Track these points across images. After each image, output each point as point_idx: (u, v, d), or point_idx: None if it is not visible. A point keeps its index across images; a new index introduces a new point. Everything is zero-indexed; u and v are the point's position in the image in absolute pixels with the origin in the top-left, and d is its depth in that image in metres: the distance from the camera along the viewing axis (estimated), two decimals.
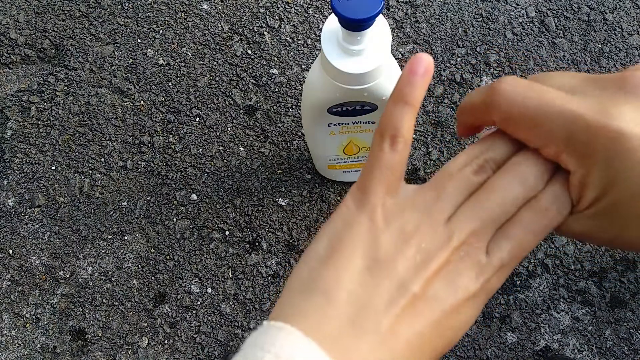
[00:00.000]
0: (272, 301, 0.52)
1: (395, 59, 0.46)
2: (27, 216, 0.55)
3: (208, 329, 0.51)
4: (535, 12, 0.61)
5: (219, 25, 0.61)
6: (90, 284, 0.53)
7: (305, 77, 0.46)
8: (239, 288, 0.52)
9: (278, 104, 0.58)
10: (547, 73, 0.25)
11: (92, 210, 0.55)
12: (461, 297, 0.22)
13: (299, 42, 0.60)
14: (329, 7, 0.61)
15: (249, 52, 0.60)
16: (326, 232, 0.24)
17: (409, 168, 0.56)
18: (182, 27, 0.61)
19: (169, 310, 0.52)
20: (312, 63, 0.59)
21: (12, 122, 0.59)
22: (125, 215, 0.55)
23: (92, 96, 0.59)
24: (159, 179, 0.56)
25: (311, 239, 0.50)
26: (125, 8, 0.62)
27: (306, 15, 0.61)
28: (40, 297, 0.53)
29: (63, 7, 0.63)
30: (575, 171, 0.23)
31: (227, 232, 0.54)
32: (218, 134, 0.57)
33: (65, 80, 0.60)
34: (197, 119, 0.58)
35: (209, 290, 0.52)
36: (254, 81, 0.59)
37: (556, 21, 0.60)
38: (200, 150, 0.57)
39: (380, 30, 0.36)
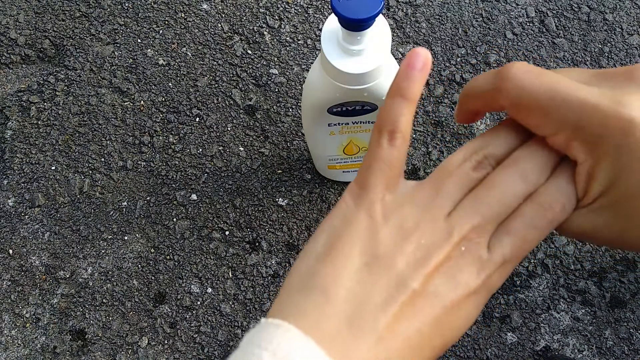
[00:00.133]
0: (272, 301, 0.52)
1: (395, 59, 0.46)
2: (27, 216, 0.55)
3: (208, 329, 0.51)
4: (535, 12, 0.61)
5: (219, 25, 0.61)
6: (90, 284, 0.53)
7: (305, 77, 0.46)
8: (239, 288, 0.52)
9: (278, 104, 0.58)
10: (554, 69, 0.25)
11: (92, 210, 0.55)
12: (462, 293, 0.22)
13: (299, 42, 0.60)
14: (329, 7, 0.61)
15: (249, 52, 0.60)
16: (324, 229, 0.24)
17: (409, 168, 0.56)
18: (182, 27, 0.61)
19: (169, 310, 0.52)
20: (312, 63, 0.59)
21: (12, 122, 0.59)
22: (125, 215, 0.55)
23: (92, 96, 0.59)
24: (159, 179, 0.56)
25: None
26: (125, 8, 0.62)
27: (306, 15, 0.61)
28: (40, 297, 0.53)
29: (63, 7, 0.63)
30: (584, 161, 0.22)
31: (227, 232, 0.54)
32: (218, 134, 0.57)
33: (65, 80, 0.60)
34: (197, 119, 0.58)
35: (209, 290, 0.52)
36: (254, 81, 0.59)
37: (556, 21, 0.60)
38: (200, 150, 0.57)
39: (380, 30, 0.36)
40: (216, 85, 0.59)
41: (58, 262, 0.54)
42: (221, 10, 0.62)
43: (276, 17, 0.61)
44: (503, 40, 0.60)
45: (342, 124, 0.43)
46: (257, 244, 0.53)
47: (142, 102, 0.59)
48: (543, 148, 0.24)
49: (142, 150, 0.57)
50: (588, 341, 0.50)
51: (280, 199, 0.55)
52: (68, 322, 0.52)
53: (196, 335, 0.51)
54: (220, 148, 0.57)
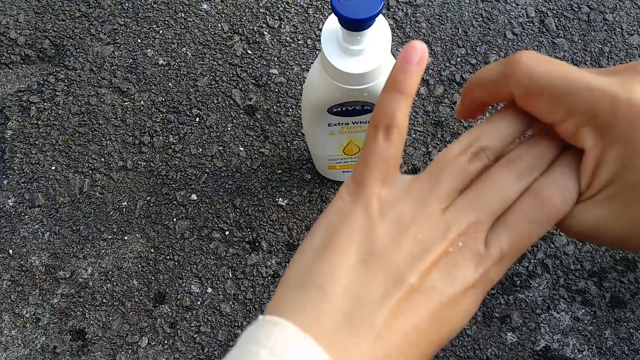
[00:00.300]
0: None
1: (395, 59, 0.46)
2: (27, 216, 0.55)
3: (208, 329, 0.51)
4: (535, 12, 0.61)
5: (219, 25, 0.61)
6: (90, 284, 0.53)
7: (305, 77, 0.46)
8: (239, 288, 0.52)
9: (278, 104, 0.58)
10: None
11: (92, 210, 0.55)
12: (459, 288, 0.22)
13: (299, 42, 0.60)
14: (329, 7, 0.61)
15: (249, 52, 0.60)
16: (321, 225, 0.24)
17: (409, 168, 0.56)
18: (182, 27, 0.61)
19: (169, 310, 0.52)
20: (312, 63, 0.59)
21: (12, 122, 0.59)
22: (125, 215, 0.55)
23: (92, 96, 0.59)
24: (159, 179, 0.56)
25: None
26: (125, 8, 0.62)
27: (306, 15, 0.61)
28: (40, 297, 0.53)
29: (63, 7, 0.63)
30: (593, 148, 0.22)
31: (227, 232, 0.54)
32: (218, 134, 0.57)
33: (65, 80, 0.60)
34: (197, 119, 0.58)
35: (209, 290, 0.52)
36: (254, 81, 0.59)
37: (556, 21, 0.60)
38: (200, 150, 0.57)
39: (380, 30, 0.36)
40: (216, 85, 0.59)
41: (58, 262, 0.54)
42: (221, 10, 0.62)
43: (276, 17, 0.61)
44: (503, 40, 0.60)
45: (342, 124, 0.43)
46: (257, 244, 0.53)
47: (142, 102, 0.59)
48: (542, 142, 0.24)
49: (142, 150, 0.57)
50: (588, 341, 0.50)
51: (280, 199, 0.55)
52: (68, 322, 0.52)
53: (196, 335, 0.51)
54: (220, 148, 0.57)
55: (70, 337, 0.51)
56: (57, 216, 0.55)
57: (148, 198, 0.55)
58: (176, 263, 0.53)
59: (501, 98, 0.25)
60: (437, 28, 0.60)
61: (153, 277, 0.53)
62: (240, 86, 0.59)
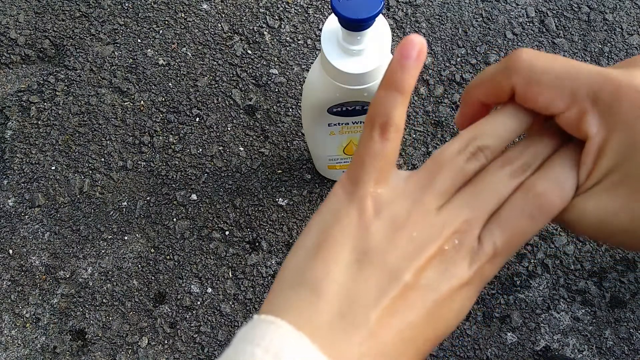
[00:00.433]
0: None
1: None
2: (27, 216, 0.55)
3: (208, 329, 0.51)
4: (535, 12, 0.61)
5: (219, 25, 0.61)
6: (90, 284, 0.53)
7: (305, 77, 0.46)
8: (239, 288, 0.52)
9: (278, 104, 0.58)
10: None
11: (92, 210, 0.55)
12: (454, 285, 0.22)
13: (299, 42, 0.60)
14: (329, 7, 0.61)
15: (249, 52, 0.60)
16: (315, 224, 0.24)
17: (409, 168, 0.56)
18: (182, 27, 0.61)
19: (169, 310, 0.52)
20: (312, 63, 0.59)
21: (12, 122, 0.59)
22: (125, 215, 0.55)
23: (92, 96, 0.59)
24: (159, 179, 0.56)
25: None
26: (125, 8, 0.62)
27: (306, 15, 0.61)
28: (40, 297, 0.53)
29: (63, 7, 0.63)
30: (595, 134, 0.22)
31: (227, 232, 0.54)
32: (218, 134, 0.57)
33: (65, 80, 0.60)
34: (197, 119, 0.58)
35: (209, 290, 0.52)
36: (254, 81, 0.59)
37: (556, 21, 0.60)
38: (200, 150, 0.57)
39: (380, 30, 0.36)
40: (216, 85, 0.59)
41: (58, 262, 0.54)
42: (221, 10, 0.62)
43: (276, 17, 0.61)
44: (503, 40, 0.60)
45: (342, 124, 0.43)
46: (257, 244, 0.53)
47: (142, 102, 0.59)
48: (539, 141, 0.24)
49: (142, 150, 0.57)
50: (588, 341, 0.50)
51: (280, 199, 0.55)
52: (68, 322, 0.52)
53: (196, 335, 0.51)
54: (220, 148, 0.57)
55: (70, 337, 0.51)
56: (57, 216, 0.55)
57: (148, 198, 0.55)
58: (176, 263, 0.53)
59: (501, 96, 0.25)
60: (437, 28, 0.60)
61: (153, 277, 0.53)
62: (240, 86, 0.59)
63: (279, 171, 0.56)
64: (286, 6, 0.62)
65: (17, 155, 0.57)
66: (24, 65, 0.61)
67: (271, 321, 0.21)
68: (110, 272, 0.53)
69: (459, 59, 0.59)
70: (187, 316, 0.51)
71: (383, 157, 0.23)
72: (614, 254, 0.52)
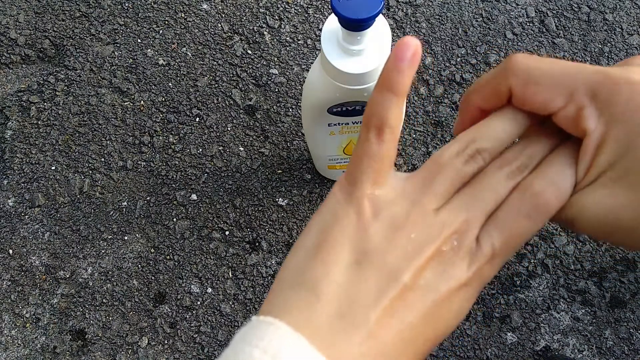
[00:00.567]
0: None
1: None
2: (27, 216, 0.55)
3: (208, 329, 0.51)
4: (535, 12, 0.61)
5: (219, 25, 0.61)
6: (90, 284, 0.53)
7: (305, 77, 0.46)
8: (239, 288, 0.52)
9: (278, 104, 0.58)
10: None
11: (92, 210, 0.55)
12: (453, 286, 0.22)
13: (299, 42, 0.60)
14: (329, 7, 0.61)
15: (249, 52, 0.60)
16: (315, 224, 0.24)
17: (409, 168, 0.56)
18: (182, 27, 0.61)
19: (169, 310, 0.52)
20: (312, 63, 0.59)
21: (12, 122, 0.59)
22: (125, 215, 0.55)
23: (92, 96, 0.59)
24: (159, 179, 0.56)
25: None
26: (125, 8, 0.62)
27: (306, 15, 0.61)
28: (40, 297, 0.53)
29: (63, 7, 0.63)
30: (594, 130, 0.22)
31: (227, 232, 0.54)
32: (218, 134, 0.57)
33: (65, 80, 0.60)
34: (197, 119, 0.58)
35: (209, 290, 0.52)
36: (254, 81, 0.59)
37: (556, 21, 0.60)
38: (200, 150, 0.57)
39: (380, 30, 0.36)
40: (216, 85, 0.59)
41: (58, 262, 0.54)
42: (221, 10, 0.62)
43: (276, 17, 0.61)
44: (503, 40, 0.60)
45: (342, 124, 0.43)
46: (257, 244, 0.53)
47: (142, 102, 0.59)
48: (536, 142, 0.24)
49: (142, 150, 0.57)
50: (588, 341, 0.50)
51: (280, 199, 0.55)
52: (68, 322, 0.52)
53: (196, 335, 0.51)
54: (220, 148, 0.57)
55: (70, 337, 0.51)
56: (57, 216, 0.55)
57: (148, 198, 0.55)
58: (176, 263, 0.53)
59: (498, 99, 0.25)
60: (437, 28, 0.60)
61: (153, 277, 0.53)
62: (240, 86, 0.59)
63: (279, 171, 0.56)
64: (286, 6, 0.62)
65: (17, 155, 0.57)
66: (24, 65, 0.61)
67: (270, 322, 0.21)
68: (110, 272, 0.53)
69: (459, 59, 0.59)
70: (187, 316, 0.51)
71: (380, 158, 0.24)
72: (614, 254, 0.52)
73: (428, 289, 0.22)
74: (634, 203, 0.21)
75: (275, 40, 0.60)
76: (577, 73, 0.22)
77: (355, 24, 0.32)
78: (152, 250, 0.54)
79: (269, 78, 0.59)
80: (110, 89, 0.59)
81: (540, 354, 0.50)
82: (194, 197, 0.55)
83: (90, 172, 0.56)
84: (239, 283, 0.52)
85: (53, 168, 0.57)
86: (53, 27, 0.62)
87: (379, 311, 0.21)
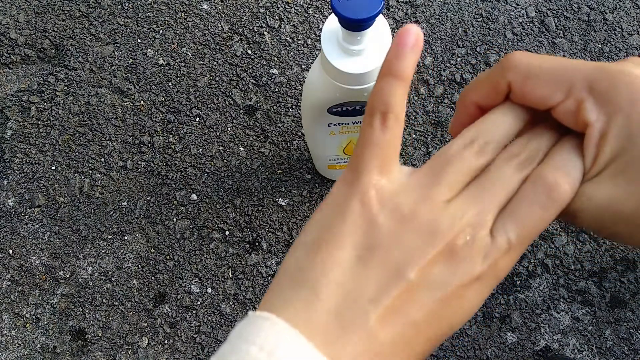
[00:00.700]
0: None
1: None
2: (27, 216, 0.55)
3: (208, 329, 0.51)
4: (535, 12, 0.61)
5: (219, 25, 0.61)
6: (90, 284, 0.53)
7: (305, 77, 0.46)
8: (239, 288, 0.52)
9: (278, 104, 0.58)
10: None
11: (92, 210, 0.55)
12: (463, 281, 0.21)
13: (299, 42, 0.60)
14: (329, 7, 0.61)
15: (249, 52, 0.60)
16: (316, 219, 0.23)
17: None
18: (182, 27, 0.61)
19: (169, 310, 0.52)
20: (312, 63, 0.59)
21: (12, 122, 0.59)
22: (125, 215, 0.55)
23: (92, 96, 0.59)
24: (159, 179, 0.56)
25: None
26: (125, 8, 0.62)
27: (306, 15, 0.61)
28: (40, 297, 0.53)
29: (63, 7, 0.63)
30: (596, 121, 0.22)
31: (227, 232, 0.54)
32: (218, 134, 0.57)
33: (65, 80, 0.60)
34: (197, 119, 0.58)
35: (209, 290, 0.52)
36: (254, 81, 0.59)
37: (556, 21, 0.60)
38: (200, 150, 0.57)
39: (380, 31, 0.36)
40: (216, 85, 0.59)
41: (58, 262, 0.54)
42: (221, 10, 0.62)
43: (276, 17, 0.61)
44: (503, 40, 0.60)
45: (342, 124, 0.43)
46: (257, 244, 0.53)
47: (142, 102, 0.59)
48: (541, 133, 0.24)
49: (142, 150, 0.57)
50: (588, 341, 0.50)
51: (280, 199, 0.55)
52: (68, 322, 0.52)
53: (196, 335, 0.51)
54: (220, 148, 0.57)
55: (70, 337, 0.51)
56: (57, 216, 0.55)
57: (148, 198, 0.55)
58: (176, 263, 0.53)
59: (497, 95, 0.25)
60: (437, 28, 0.60)
61: (153, 277, 0.53)
62: (240, 86, 0.59)
63: (279, 171, 0.56)
64: (286, 6, 0.62)
65: (17, 155, 0.57)
66: (24, 65, 0.61)
67: (266, 317, 0.21)
68: (110, 272, 0.53)
69: (459, 59, 0.59)
70: (187, 316, 0.51)
71: (385, 146, 0.23)
72: (614, 254, 0.52)
73: (436, 286, 0.21)
74: (638, 195, 0.21)
75: (275, 40, 0.60)
76: (575, 67, 0.22)
77: (355, 24, 0.32)
78: (152, 250, 0.54)
79: (269, 78, 0.59)
80: (110, 89, 0.59)
81: (540, 354, 0.50)
82: (194, 197, 0.55)
83: (90, 172, 0.56)
84: (239, 283, 0.52)
85: (53, 168, 0.57)
86: (53, 27, 0.62)
87: (380, 309, 0.21)
